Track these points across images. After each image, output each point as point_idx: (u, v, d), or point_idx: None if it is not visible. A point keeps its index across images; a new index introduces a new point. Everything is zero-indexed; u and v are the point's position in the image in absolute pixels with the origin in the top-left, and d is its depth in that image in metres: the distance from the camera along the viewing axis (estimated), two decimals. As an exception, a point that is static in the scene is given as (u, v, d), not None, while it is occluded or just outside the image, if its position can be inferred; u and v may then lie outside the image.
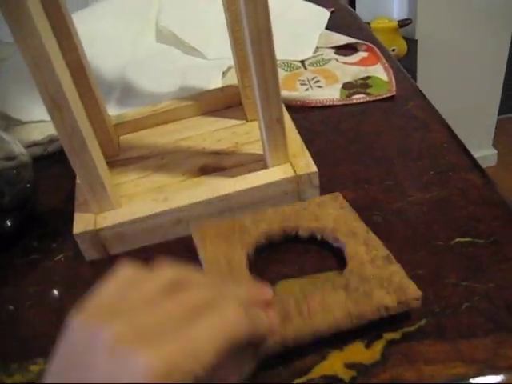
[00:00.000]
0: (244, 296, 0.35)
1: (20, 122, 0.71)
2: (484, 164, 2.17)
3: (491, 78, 1.96)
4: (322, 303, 0.41)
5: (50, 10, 0.47)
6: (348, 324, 0.41)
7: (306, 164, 0.52)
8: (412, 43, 1.76)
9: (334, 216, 0.49)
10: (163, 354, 0.27)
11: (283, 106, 0.51)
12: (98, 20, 0.76)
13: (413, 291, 0.42)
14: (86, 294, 0.32)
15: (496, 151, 2.14)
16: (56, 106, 0.44)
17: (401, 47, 1.68)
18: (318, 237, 0.49)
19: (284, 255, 0.48)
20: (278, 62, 0.63)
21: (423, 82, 1.85)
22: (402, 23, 1.70)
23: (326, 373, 0.40)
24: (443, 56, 1.86)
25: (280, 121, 0.50)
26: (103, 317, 0.29)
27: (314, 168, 0.52)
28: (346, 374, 0.39)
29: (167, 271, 0.33)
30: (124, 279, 0.32)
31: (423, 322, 0.42)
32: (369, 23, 1.65)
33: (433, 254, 0.47)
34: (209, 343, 0.29)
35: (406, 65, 1.68)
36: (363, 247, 0.46)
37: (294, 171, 0.52)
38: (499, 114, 2.06)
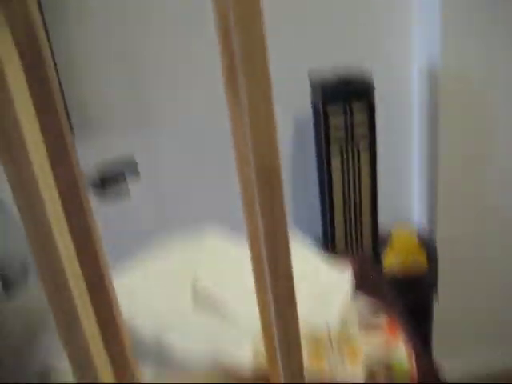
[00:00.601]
0: None
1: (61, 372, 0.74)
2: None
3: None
4: None
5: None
6: None
7: None
8: (431, 251, 1.83)
9: None
10: None
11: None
12: (139, 281, 0.83)
13: None
14: None
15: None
16: (80, 368, 0.47)
17: (421, 262, 1.73)
18: None
19: None
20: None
21: (446, 292, 1.89)
22: (424, 237, 1.78)
23: None
24: (465, 260, 1.92)
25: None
26: None
27: None
28: None
29: None
30: None
31: None
32: (390, 237, 1.73)
33: None
34: None
35: (425, 276, 1.74)
36: None
37: None
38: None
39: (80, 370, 0.47)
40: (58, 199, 0.42)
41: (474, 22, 1.62)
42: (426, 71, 1.73)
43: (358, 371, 0.72)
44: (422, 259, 1.73)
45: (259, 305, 0.62)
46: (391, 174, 1.88)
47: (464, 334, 1.93)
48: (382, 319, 0.82)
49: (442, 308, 1.88)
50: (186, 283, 0.86)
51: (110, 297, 0.51)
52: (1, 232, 1.00)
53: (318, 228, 1.77)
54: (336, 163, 1.58)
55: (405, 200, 2.01)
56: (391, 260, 1.67)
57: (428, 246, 1.80)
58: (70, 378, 0.73)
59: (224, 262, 0.88)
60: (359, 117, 1.52)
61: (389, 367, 0.72)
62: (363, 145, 1.56)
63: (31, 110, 0.39)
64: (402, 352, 0.75)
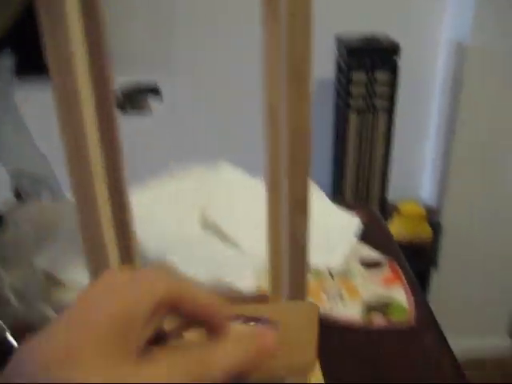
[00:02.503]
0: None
1: (62, 285, 0.76)
2: (496, 354, 2.14)
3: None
4: None
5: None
6: None
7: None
8: (437, 228, 1.83)
9: None
10: None
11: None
12: (151, 200, 0.84)
13: None
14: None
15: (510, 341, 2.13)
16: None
17: (426, 234, 1.74)
18: None
19: None
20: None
21: (445, 268, 1.90)
22: (431, 211, 1.79)
23: None
24: (468, 242, 1.92)
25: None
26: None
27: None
28: None
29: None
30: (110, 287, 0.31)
31: None
32: (397, 206, 1.74)
33: None
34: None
35: (429, 249, 1.75)
36: None
37: None
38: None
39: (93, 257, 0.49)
40: (92, 114, 0.44)
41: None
42: (455, 44, 1.71)
43: (355, 307, 0.73)
44: (426, 231, 1.74)
45: (269, 233, 0.63)
46: (405, 149, 1.87)
47: (456, 311, 1.95)
48: (385, 262, 0.83)
49: (440, 283, 1.90)
50: (196, 210, 0.87)
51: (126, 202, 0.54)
52: (17, 147, 1.01)
53: (328, 181, 1.79)
54: (353, 119, 1.58)
55: (415, 179, 2.01)
56: (397, 228, 1.68)
57: (433, 222, 1.81)
58: (72, 292, 0.75)
59: (236, 195, 0.89)
60: (382, 77, 1.52)
61: (386, 306, 0.74)
62: (382, 105, 1.55)
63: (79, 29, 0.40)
64: (400, 293, 0.76)
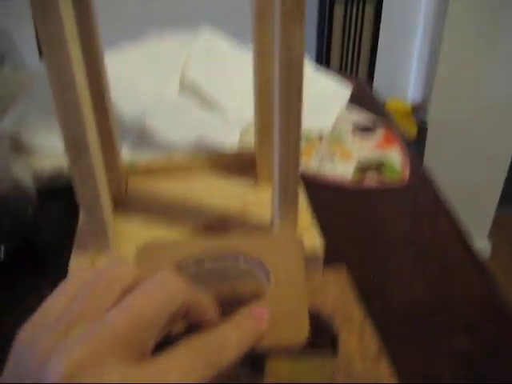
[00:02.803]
0: None
1: (33, 151, 0.70)
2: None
3: (495, 171, 1.99)
4: None
5: (85, 46, 0.47)
6: None
7: (313, 241, 0.52)
8: (422, 126, 1.79)
9: (332, 296, 0.48)
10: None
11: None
12: (127, 63, 0.77)
13: None
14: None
15: (490, 244, 2.15)
16: (75, 146, 0.44)
17: (411, 130, 1.70)
18: (314, 318, 0.48)
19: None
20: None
21: (428, 166, 1.87)
22: (416, 108, 1.74)
23: None
24: (452, 143, 1.90)
25: (295, 193, 0.49)
26: (52, 340, 0.27)
27: (320, 246, 0.51)
28: None
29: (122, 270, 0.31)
30: (81, 283, 0.30)
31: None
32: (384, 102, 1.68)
33: (429, 350, 0.46)
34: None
35: (413, 148, 1.72)
36: (356, 337, 0.45)
37: (300, 245, 0.51)
38: (498, 206, 2.07)
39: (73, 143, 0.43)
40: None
41: None
42: None
43: (347, 167, 0.69)
44: (412, 127, 1.70)
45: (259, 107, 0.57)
46: (391, 47, 1.80)
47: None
48: (378, 127, 0.78)
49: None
50: (175, 74, 0.80)
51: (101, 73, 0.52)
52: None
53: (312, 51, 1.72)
54: (339, 10, 1.50)
55: (402, 77, 1.94)
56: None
57: (419, 120, 1.77)
58: (44, 160, 0.69)
59: (217, 58, 0.83)
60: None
61: (379, 166, 0.69)
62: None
63: None
64: (394, 155, 0.72)
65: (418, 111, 1.79)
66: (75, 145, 0.43)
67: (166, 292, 0.29)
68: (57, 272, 0.54)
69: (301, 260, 0.43)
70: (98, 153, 0.47)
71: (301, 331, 0.37)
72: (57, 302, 0.30)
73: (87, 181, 0.46)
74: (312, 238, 0.52)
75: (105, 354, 0.26)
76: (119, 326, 0.27)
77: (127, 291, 0.29)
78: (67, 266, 0.50)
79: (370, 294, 0.51)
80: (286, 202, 0.50)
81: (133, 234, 0.55)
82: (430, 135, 1.84)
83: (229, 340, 0.31)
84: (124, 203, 0.60)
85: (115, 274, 0.30)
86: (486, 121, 1.87)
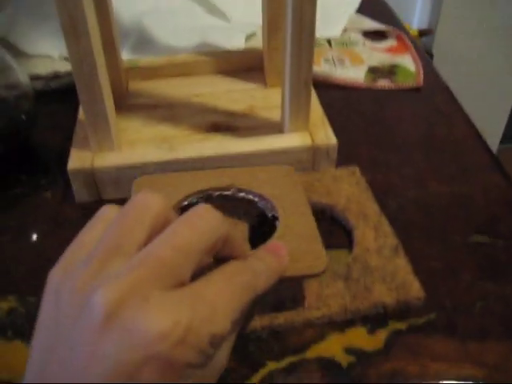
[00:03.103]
0: None
1: (25, 55, 0.66)
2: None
3: (499, 103, 1.95)
4: (318, 294, 0.39)
5: None
6: (343, 317, 0.38)
7: (326, 135, 0.49)
8: (428, 54, 1.74)
9: (347, 193, 0.46)
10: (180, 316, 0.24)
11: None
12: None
13: (415, 291, 0.39)
14: (71, 237, 0.28)
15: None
16: (73, 24, 0.40)
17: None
18: (328, 213, 0.46)
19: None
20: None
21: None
22: (423, 32, 1.68)
23: (322, 354, 0.36)
24: (457, 72, 1.84)
25: (308, 84, 0.46)
26: (89, 276, 0.25)
27: (333, 140, 0.48)
28: (344, 359, 0.36)
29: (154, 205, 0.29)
30: (108, 222, 0.29)
31: (432, 315, 0.39)
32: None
33: (448, 249, 0.44)
34: (223, 309, 0.26)
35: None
36: (372, 232, 0.43)
37: (313, 140, 0.48)
38: (501, 142, 2.04)
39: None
40: None
41: None
42: None
43: (359, 71, 0.66)
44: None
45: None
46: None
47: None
48: (390, 33, 0.74)
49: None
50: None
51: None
52: None
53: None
54: None
55: (408, 5, 1.88)
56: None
57: (424, 50, 1.71)
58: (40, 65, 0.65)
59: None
60: None
61: (392, 70, 0.66)
62: None
63: None
64: (408, 60, 0.68)
65: (425, 37, 1.73)
66: (72, 21, 0.40)
67: (208, 223, 0.28)
68: (55, 172, 0.52)
69: (301, 190, 0.42)
70: (97, 35, 0.43)
71: (319, 259, 0.36)
72: (83, 242, 0.28)
73: (86, 64, 0.42)
74: (325, 135, 0.49)
75: (150, 285, 0.24)
76: (166, 256, 0.25)
77: (157, 222, 0.28)
78: (65, 165, 0.47)
79: (384, 193, 0.49)
80: (299, 94, 0.47)
81: (134, 132, 0.52)
82: (436, 64, 1.79)
83: (260, 269, 0.30)
84: (125, 103, 0.57)
85: (142, 205, 0.28)
86: (493, 49, 1.82)
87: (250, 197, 0.42)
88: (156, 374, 0.23)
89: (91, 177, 0.46)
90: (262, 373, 0.35)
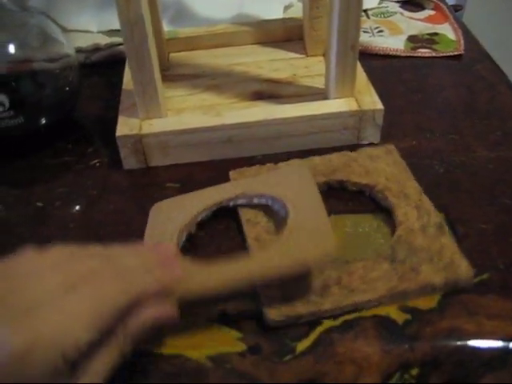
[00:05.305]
0: (141, 259, 0.32)
1: (65, 30, 0.67)
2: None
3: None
4: (363, 277, 0.38)
5: None
6: (389, 301, 0.37)
7: (372, 100, 0.49)
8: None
9: (386, 172, 0.45)
10: (24, 330, 0.25)
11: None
12: None
13: (465, 270, 0.37)
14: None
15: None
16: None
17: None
18: (367, 193, 0.45)
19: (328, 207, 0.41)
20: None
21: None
22: (454, 8, 1.65)
23: (378, 313, 0.36)
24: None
25: (354, 48, 0.46)
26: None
27: (379, 105, 0.48)
28: (399, 317, 0.36)
29: (59, 249, 0.30)
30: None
31: (485, 275, 0.39)
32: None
33: (498, 211, 0.44)
34: (80, 318, 0.27)
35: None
36: (415, 211, 0.42)
37: (359, 106, 0.48)
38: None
39: None
40: None
41: None
42: None
43: (398, 42, 0.65)
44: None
45: None
46: None
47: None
48: (427, 4, 0.73)
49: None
50: None
51: None
52: None
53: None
54: None
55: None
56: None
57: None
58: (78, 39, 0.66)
59: None
60: None
61: (432, 38, 0.65)
62: None
63: None
64: (447, 29, 0.68)
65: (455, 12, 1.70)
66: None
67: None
68: (101, 141, 0.53)
69: (313, 185, 0.41)
70: (146, 4, 0.43)
71: (328, 244, 0.36)
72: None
73: (137, 29, 0.42)
74: (371, 100, 0.49)
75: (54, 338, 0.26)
76: None
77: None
78: (110, 135, 0.47)
79: (430, 158, 0.48)
80: (345, 59, 0.47)
81: (179, 101, 0.53)
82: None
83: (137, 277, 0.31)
84: (168, 73, 0.57)
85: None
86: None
87: (263, 201, 0.43)
88: None
89: (139, 143, 0.47)
90: (319, 330, 0.36)
